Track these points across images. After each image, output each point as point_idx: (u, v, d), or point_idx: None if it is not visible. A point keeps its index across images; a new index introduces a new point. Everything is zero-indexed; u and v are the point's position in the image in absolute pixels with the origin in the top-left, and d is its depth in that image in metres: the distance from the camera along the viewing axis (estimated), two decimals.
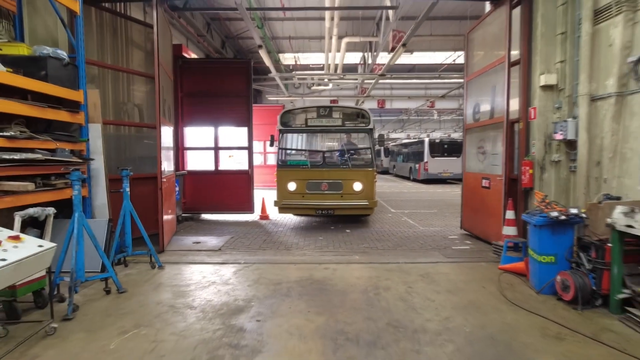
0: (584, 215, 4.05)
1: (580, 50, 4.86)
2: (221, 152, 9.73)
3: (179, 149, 9.23)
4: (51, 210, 3.77)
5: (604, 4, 4.63)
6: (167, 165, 6.74)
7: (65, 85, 4.73)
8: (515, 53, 5.96)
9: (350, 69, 18.03)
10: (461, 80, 11.51)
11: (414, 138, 29.38)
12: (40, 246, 3.05)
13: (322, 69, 17.96)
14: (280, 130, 8.43)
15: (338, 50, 14.17)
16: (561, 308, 3.80)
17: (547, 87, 5.48)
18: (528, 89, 5.79)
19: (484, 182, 6.66)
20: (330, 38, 12.83)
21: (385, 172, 31.25)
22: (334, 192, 7.89)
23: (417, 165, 21.88)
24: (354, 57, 17.69)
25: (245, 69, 9.73)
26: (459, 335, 3.24)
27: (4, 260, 2.65)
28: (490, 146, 6.68)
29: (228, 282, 4.65)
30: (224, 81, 9.53)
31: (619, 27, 4.36)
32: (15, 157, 3.84)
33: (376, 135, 8.84)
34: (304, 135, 9.36)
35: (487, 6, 7.05)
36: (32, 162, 4.15)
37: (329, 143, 10.96)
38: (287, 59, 18.80)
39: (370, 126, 8.32)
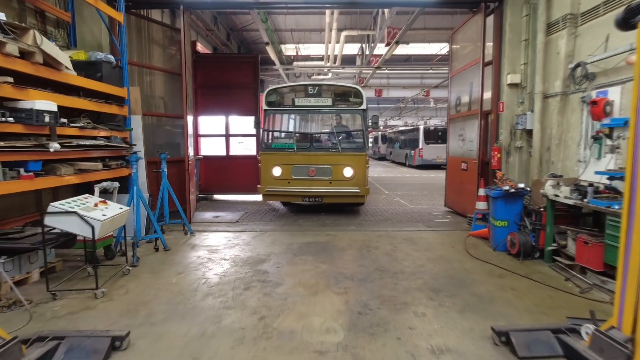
0: (528, 188, 5.19)
1: (536, 56, 5.93)
2: (232, 138, 10.79)
3: (195, 136, 10.30)
4: (117, 184, 4.88)
5: (554, 19, 5.68)
6: (190, 150, 7.83)
7: (114, 84, 5.77)
8: (489, 54, 7.01)
9: (348, 59, 18.93)
10: None
11: (411, 125, 30.40)
12: (121, 208, 4.17)
13: (322, 59, 18.85)
14: (265, 111, 7.88)
15: (337, 42, 15.07)
16: (508, 259, 4.97)
17: (512, 85, 6.56)
18: (498, 86, 6.86)
19: (463, 165, 7.78)
20: (330, 31, 13.76)
21: (382, 158, 32.38)
22: (322, 177, 7.37)
23: (412, 152, 22.97)
24: (353, 48, 18.55)
25: (253, 62, 10.75)
26: (427, 275, 4.41)
27: (104, 215, 3.77)
28: (468, 134, 7.77)
29: (249, 243, 5.81)
30: (234, 74, 10.51)
31: (564, 39, 5.42)
32: (87, 143, 4.92)
33: (370, 117, 7.96)
34: (291, 116, 8.79)
35: None
36: (96, 147, 5.24)
37: (318, 124, 10.34)
38: (288, 49, 19.63)
39: (363, 106, 7.65)
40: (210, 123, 11.01)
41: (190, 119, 8.25)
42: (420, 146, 21.83)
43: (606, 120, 4.20)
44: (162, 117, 8.33)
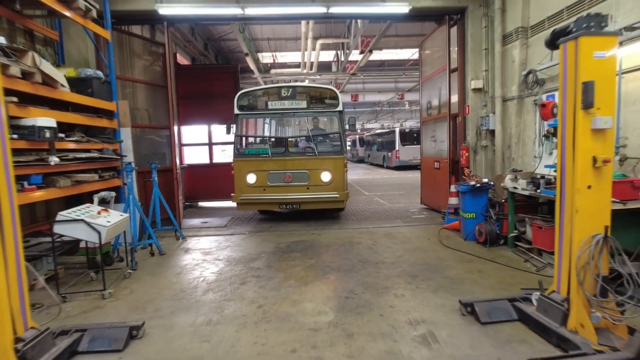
0: (492, 183, 5.79)
1: (495, 64, 6.58)
2: (214, 147, 11.08)
3: (178, 146, 10.55)
4: (113, 194, 5.16)
5: (508, 31, 6.35)
6: (177, 159, 8.11)
7: (103, 99, 6.04)
8: (455, 61, 7.64)
9: (325, 66, 19.50)
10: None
11: (387, 128, 31.23)
12: (121, 215, 4.48)
13: (299, 66, 19.35)
14: (237, 115, 7.60)
15: (313, 49, 15.59)
16: (477, 247, 5.53)
17: (476, 90, 7.20)
18: (464, 91, 7.50)
19: (436, 164, 8.39)
20: (306, 39, 14.27)
21: (361, 160, 33.09)
22: (299, 183, 7.16)
23: (389, 154, 23.71)
24: (328, 55, 19.15)
25: (233, 72, 11.12)
26: (406, 263, 4.91)
27: (109, 222, 4.08)
28: (439, 135, 8.39)
29: (239, 245, 6.17)
30: (214, 84, 10.83)
31: (517, 48, 6.08)
32: (83, 156, 5.19)
33: (347, 119, 7.89)
34: (265, 119, 8.45)
35: None
36: (91, 160, 5.50)
37: (293, 128, 9.98)
38: (265, 57, 20.06)
39: (339, 108, 7.51)
40: (193, 132, 11.27)
41: (175, 128, 8.56)
42: (397, 148, 22.57)
43: (551, 121, 4.82)
44: (145, 128, 8.57)
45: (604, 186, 2.76)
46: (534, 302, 3.18)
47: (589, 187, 2.74)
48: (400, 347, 2.90)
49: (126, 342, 3.00)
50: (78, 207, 4.28)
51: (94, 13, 5.63)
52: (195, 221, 8.37)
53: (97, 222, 3.99)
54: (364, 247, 5.74)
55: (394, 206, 9.61)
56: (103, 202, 5.02)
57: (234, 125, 7.66)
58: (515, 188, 5.08)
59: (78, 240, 4.56)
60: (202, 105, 10.78)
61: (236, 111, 7.60)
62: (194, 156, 11.24)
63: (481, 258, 5.01)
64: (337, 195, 7.07)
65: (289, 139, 7.92)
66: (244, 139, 7.89)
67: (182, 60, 13.46)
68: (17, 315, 2.52)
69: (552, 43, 2.97)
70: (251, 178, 7.25)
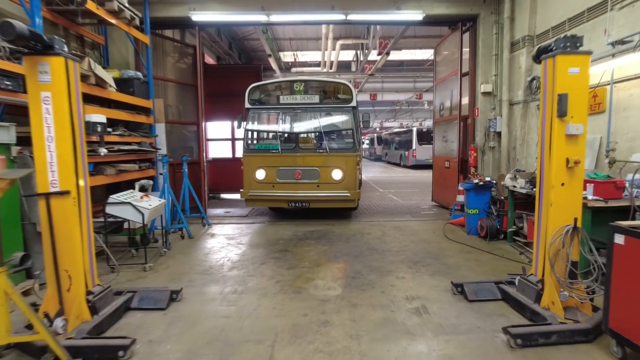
0: (494, 181, 6.20)
1: (503, 70, 6.95)
2: (237, 142, 11.76)
3: (204, 140, 11.27)
4: (151, 182, 5.84)
5: (516, 38, 6.71)
6: (204, 153, 8.79)
7: (142, 97, 6.75)
8: (466, 66, 8.03)
9: (344, 65, 19.98)
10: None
11: (406, 127, 31.41)
12: (160, 200, 5.14)
13: (318, 65, 19.88)
14: (247, 109, 7.46)
15: (333, 49, 16.08)
16: (478, 240, 5.97)
17: (486, 93, 7.58)
18: (474, 94, 7.88)
19: (446, 163, 8.79)
20: (327, 39, 14.77)
21: (378, 159, 33.39)
22: (310, 181, 7.01)
23: (406, 153, 24.01)
24: (348, 55, 19.60)
25: (256, 72, 11.77)
26: (410, 252, 5.40)
27: (150, 205, 4.74)
28: (450, 136, 8.78)
29: (259, 232, 6.79)
30: (238, 82, 11.42)
31: (524, 55, 6.45)
32: (125, 148, 5.90)
33: (361, 115, 7.86)
34: (276, 114, 8.15)
35: None
36: (131, 152, 6.20)
37: (305, 123, 9.82)
38: (287, 56, 20.66)
39: (353, 103, 7.32)
40: (217, 128, 11.99)
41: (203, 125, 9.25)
42: (414, 147, 22.85)
43: None
44: (175, 124, 9.28)
45: (575, 184, 3.20)
46: (517, 284, 3.65)
47: (563, 184, 3.19)
48: (396, 316, 3.42)
49: (168, 303, 3.64)
50: (123, 192, 4.96)
51: (137, 21, 6.33)
52: (219, 211, 9.04)
53: (141, 205, 4.65)
54: (373, 238, 6.26)
55: (406, 203, 10.05)
56: (142, 190, 5.70)
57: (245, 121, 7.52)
58: (514, 187, 5.49)
59: (123, 221, 5.24)
60: (226, 103, 11.44)
61: (247, 105, 7.47)
62: (217, 150, 11.96)
63: (480, 250, 5.46)
64: (349, 194, 6.90)
65: (300, 135, 7.68)
66: (254, 133, 7.75)
67: (208, 59, 14.20)
68: (88, 273, 3.17)
69: (537, 58, 3.41)
70: (260, 174, 7.14)
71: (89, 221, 3.21)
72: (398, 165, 26.21)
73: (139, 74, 6.75)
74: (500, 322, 3.24)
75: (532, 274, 3.48)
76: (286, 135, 7.87)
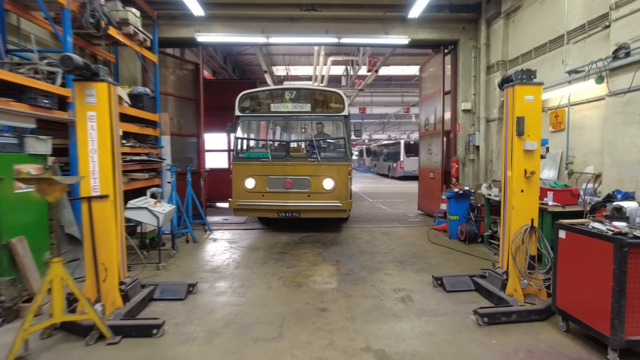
0: (472, 190, 6.88)
1: (480, 90, 7.72)
2: (232, 153, 12.27)
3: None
4: (160, 190, 6.34)
5: (492, 62, 7.50)
6: (204, 163, 9.32)
7: (150, 111, 7.28)
8: (448, 85, 8.78)
9: (335, 79, 20.78)
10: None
11: (394, 139, 32.34)
12: (170, 206, 5.66)
13: (310, 79, 20.66)
14: (237, 117, 7.38)
15: (325, 64, 16.85)
16: (458, 244, 6.60)
17: (466, 111, 8.33)
18: (455, 111, 8.62)
19: (431, 174, 9.48)
20: (319, 55, 15.54)
21: (367, 170, 34.19)
22: (300, 190, 6.90)
23: (394, 164, 24.79)
24: (339, 69, 20.44)
25: (251, 87, 12.34)
26: (396, 253, 6.00)
27: (164, 210, 5.26)
28: (434, 149, 9.49)
29: (258, 237, 7.31)
30: (235, 96, 12.04)
31: (498, 78, 7.20)
32: (136, 159, 6.41)
33: (353, 124, 7.76)
34: (266, 122, 8.03)
35: None
36: (140, 162, 6.70)
37: (296, 132, 9.54)
38: (279, 70, 21.43)
39: (345, 112, 7.23)
40: (213, 139, 12.51)
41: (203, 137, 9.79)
42: (402, 159, 23.65)
43: None
44: (175, 136, 9.80)
45: (532, 191, 3.85)
46: (487, 277, 4.26)
47: (522, 191, 3.84)
48: (384, 303, 4.00)
49: (186, 294, 4.15)
50: (138, 199, 5.47)
51: (148, 42, 6.91)
52: (217, 218, 9.53)
53: (156, 209, 5.17)
54: (363, 242, 6.85)
55: (394, 211, 10.69)
56: (152, 197, 6.20)
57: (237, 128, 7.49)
58: (489, 195, 6.16)
59: (136, 225, 5.73)
60: (223, 116, 11.92)
61: (237, 112, 7.37)
62: (213, 161, 12.45)
63: (459, 251, 6.09)
64: (340, 204, 6.80)
65: (291, 143, 7.63)
66: (244, 142, 7.64)
67: (205, 73, 14.78)
68: (120, 266, 3.68)
69: (501, 86, 4.10)
70: (250, 183, 7.02)
71: (122, 221, 3.73)
72: (386, 176, 26.97)
73: (148, 90, 7.29)
74: (473, 307, 3.82)
75: (499, 267, 4.10)
76: (277, 143, 7.84)
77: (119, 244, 3.68)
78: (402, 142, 24.10)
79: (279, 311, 3.83)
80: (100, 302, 3.43)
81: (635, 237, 2.70)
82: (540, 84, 3.81)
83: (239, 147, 7.44)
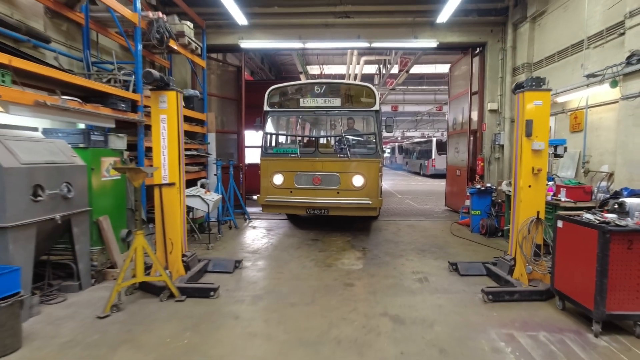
0: (494, 187, 7.25)
1: (506, 91, 8.02)
2: (261, 148, 13.07)
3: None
4: (209, 181, 7.21)
5: (517, 64, 7.78)
6: (244, 159, 10.18)
7: (199, 111, 8.18)
8: (475, 85, 9.10)
9: (367, 78, 21.20)
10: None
11: (427, 137, 32.27)
12: (218, 195, 6.49)
13: (343, 78, 21.23)
14: (266, 112, 7.29)
15: (358, 63, 17.35)
16: (478, 237, 7.02)
17: (492, 111, 8.63)
18: (482, 111, 8.94)
19: (457, 172, 9.84)
20: (352, 55, 16.07)
21: (399, 168, 34.33)
22: (329, 187, 6.72)
23: (426, 162, 24.90)
24: (371, 68, 20.86)
25: None
26: (419, 243, 6.53)
27: (213, 198, 6.08)
28: (461, 147, 9.83)
29: (292, 226, 8.05)
30: None
31: (523, 80, 7.48)
32: (188, 154, 7.30)
33: (384, 119, 7.50)
34: (295, 118, 7.71)
35: None
36: (192, 156, 7.60)
37: (325, 127, 9.33)
38: (313, 69, 22.14)
39: (376, 107, 6.93)
40: (251, 136, 13.40)
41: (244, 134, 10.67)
42: (433, 157, 23.74)
43: None
44: (218, 133, 10.72)
45: (539, 186, 4.29)
46: (497, 263, 4.74)
47: (530, 186, 4.29)
48: (403, 282, 4.58)
49: (233, 269, 4.93)
50: (191, 188, 6.32)
51: (198, 50, 7.78)
52: (254, 209, 10.34)
53: (206, 197, 6.00)
54: (389, 232, 7.41)
55: (421, 207, 11.12)
56: (202, 187, 7.07)
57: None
58: (509, 191, 6.53)
59: (189, 211, 6.61)
60: (260, 114, 12.81)
61: (266, 108, 7.29)
62: (250, 156, 13.34)
63: (479, 243, 6.52)
64: (370, 202, 6.58)
65: (320, 139, 7.39)
66: (272, 137, 7.59)
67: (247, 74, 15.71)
68: (183, 242, 4.49)
69: (514, 91, 4.54)
70: (278, 179, 6.91)
71: (185, 205, 4.54)
72: (418, 174, 27.09)
73: (197, 92, 8.19)
74: (481, 288, 4.34)
75: (508, 254, 4.57)
76: (306, 139, 7.67)
77: (182, 223, 4.48)
78: (434, 140, 24.16)
79: (311, 284, 4.51)
80: (167, 270, 4.25)
81: (617, 225, 3.14)
82: (549, 90, 4.24)
83: (267, 143, 7.37)
